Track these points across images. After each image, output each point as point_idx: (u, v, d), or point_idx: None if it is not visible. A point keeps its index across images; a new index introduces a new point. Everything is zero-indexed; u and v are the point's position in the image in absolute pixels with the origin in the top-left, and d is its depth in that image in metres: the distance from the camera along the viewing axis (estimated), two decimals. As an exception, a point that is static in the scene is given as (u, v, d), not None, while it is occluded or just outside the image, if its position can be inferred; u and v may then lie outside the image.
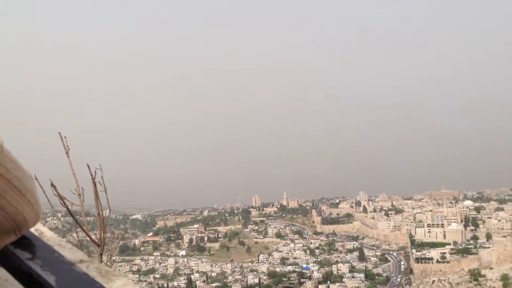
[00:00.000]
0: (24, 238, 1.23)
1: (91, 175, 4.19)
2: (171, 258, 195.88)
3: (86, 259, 1.65)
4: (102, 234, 4.27)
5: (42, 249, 1.21)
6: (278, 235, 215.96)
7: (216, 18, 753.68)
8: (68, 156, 4.12)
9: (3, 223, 1.12)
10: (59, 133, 4.06)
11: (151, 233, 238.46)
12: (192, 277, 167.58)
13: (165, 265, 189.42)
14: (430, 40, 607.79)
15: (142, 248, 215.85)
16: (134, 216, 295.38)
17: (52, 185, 3.86)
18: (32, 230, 1.72)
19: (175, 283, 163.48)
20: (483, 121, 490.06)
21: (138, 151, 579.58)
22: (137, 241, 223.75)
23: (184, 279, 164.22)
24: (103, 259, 4.29)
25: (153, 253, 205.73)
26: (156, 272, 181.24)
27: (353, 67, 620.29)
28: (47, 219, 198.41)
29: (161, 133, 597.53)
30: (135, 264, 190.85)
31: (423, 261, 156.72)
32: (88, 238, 4.33)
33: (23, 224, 1.20)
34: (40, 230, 1.82)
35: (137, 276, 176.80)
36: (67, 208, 4.01)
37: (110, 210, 4.70)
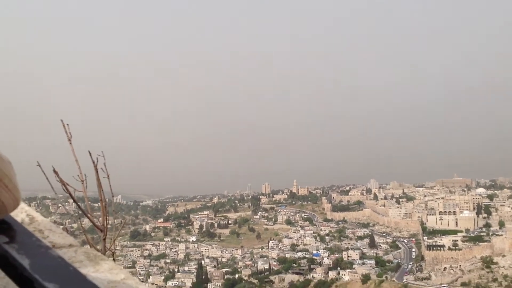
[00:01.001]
0: (3, 223, 1.24)
1: (93, 162, 4.19)
2: (181, 243, 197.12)
3: (75, 243, 1.65)
4: (105, 220, 4.22)
5: (20, 234, 1.22)
6: (288, 222, 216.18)
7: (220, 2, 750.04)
8: (70, 144, 4.14)
9: None
10: (61, 120, 4.08)
11: (161, 219, 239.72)
12: (203, 262, 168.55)
13: (175, 251, 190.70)
14: (445, 23, 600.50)
15: (153, 234, 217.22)
16: (144, 202, 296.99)
17: (54, 171, 3.93)
18: (24, 215, 1.82)
19: (186, 268, 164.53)
20: (496, 107, 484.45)
21: (150, 139, 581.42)
22: (148, 227, 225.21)
23: (194, 264, 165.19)
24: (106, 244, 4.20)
25: (164, 239, 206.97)
26: (167, 257, 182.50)
27: (364, 51, 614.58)
28: (59, 205, 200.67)
29: (172, 121, 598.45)
30: (146, 249, 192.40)
31: (434, 248, 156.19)
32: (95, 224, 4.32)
33: (0, 209, 1.20)
34: (32, 215, 1.84)
35: (148, 261, 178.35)
36: (69, 193, 4.05)
37: (113, 196, 4.74)
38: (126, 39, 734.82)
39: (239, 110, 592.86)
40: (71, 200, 4.09)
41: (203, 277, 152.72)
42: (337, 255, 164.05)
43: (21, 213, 1.80)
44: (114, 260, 3.79)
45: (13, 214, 1.26)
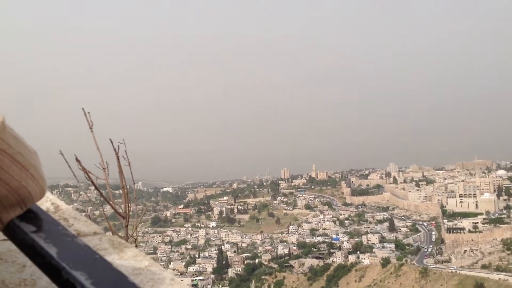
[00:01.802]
0: (30, 212, 1.26)
1: (114, 150, 4.18)
2: (201, 229, 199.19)
3: (99, 231, 1.67)
4: (127, 207, 4.24)
5: (46, 223, 1.24)
6: (307, 207, 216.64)
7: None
8: (92, 131, 4.13)
9: (7, 196, 1.15)
10: (83, 108, 4.04)
11: (181, 205, 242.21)
12: (223, 247, 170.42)
13: (196, 236, 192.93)
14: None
15: (173, 220, 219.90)
16: (165, 189, 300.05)
17: (76, 159, 3.88)
18: (49, 203, 1.83)
19: (207, 254, 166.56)
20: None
21: (170, 126, 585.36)
22: (168, 213, 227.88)
23: (215, 250, 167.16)
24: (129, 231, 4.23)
25: (184, 225, 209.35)
26: (188, 243, 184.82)
27: (383, 33, 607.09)
28: (81, 192, 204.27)
29: (192, 108, 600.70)
30: (167, 236, 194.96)
31: (454, 231, 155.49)
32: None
33: (27, 198, 1.22)
34: (57, 203, 1.86)
35: (169, 247, 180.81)
36: (91, 181, 4.03)
37: (134, 183, 4.67)
38: (146, 23, 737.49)
39: (258, 94, 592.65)
40: (92, 188, 4.12)
41: (224, 262, 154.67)
42: (356, 239, 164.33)
43: (46, 202, 1.81)
44: (136, 246, 3.96)
45: (38, 203, 1.29)
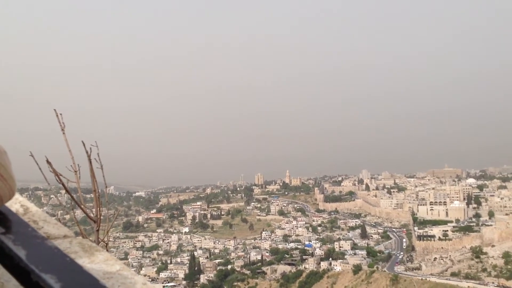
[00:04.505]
0: None
1: (87, 152, 4.13)
2: (174, 234, 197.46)
3: (70, 234, 1.64)
4: (98, 211, 4.18)
5: (16, 224, 1.21)
6: (281, 213, 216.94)
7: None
8: (63, 133, 4.05)
9: None
10: (55, 110, 3.97)
11: (154, 210, 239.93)
12: (196, 253, 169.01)
13: (168, 242, 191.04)
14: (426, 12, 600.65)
15: (145, 225, 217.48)
16: (137, 193, 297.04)
17: (47, 161, 3.81)
18: (18, 205, 1.81)
19: (179, 259, 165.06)
20: (486, 96, 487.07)
21: (142, 128, 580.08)
22: (140, 218, 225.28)
23: (187, 256, 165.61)
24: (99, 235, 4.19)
25: (157, 230, 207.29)
26: (160, 249, 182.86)
27: (352, 41, 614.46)
28: (51, 196, 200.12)
29: (164, 110, 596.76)
30: (139, 241, 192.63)
31: (425, 238, 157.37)
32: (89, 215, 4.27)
33: None
34: (26, 205, 1.83)
35: (141, 252, 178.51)
36: (62, 184, 3.97)
37: (106, 187, 4.71)
38: (120, 23, 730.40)
39: (234, 98, 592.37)
40: (63, 191, 4.04)
41: (196, 268, 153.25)
42: (329, 246, 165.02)
43: (15, 204, 1.79)
44: (107, 251, 3.85)
45: (7, 204, 1.26)
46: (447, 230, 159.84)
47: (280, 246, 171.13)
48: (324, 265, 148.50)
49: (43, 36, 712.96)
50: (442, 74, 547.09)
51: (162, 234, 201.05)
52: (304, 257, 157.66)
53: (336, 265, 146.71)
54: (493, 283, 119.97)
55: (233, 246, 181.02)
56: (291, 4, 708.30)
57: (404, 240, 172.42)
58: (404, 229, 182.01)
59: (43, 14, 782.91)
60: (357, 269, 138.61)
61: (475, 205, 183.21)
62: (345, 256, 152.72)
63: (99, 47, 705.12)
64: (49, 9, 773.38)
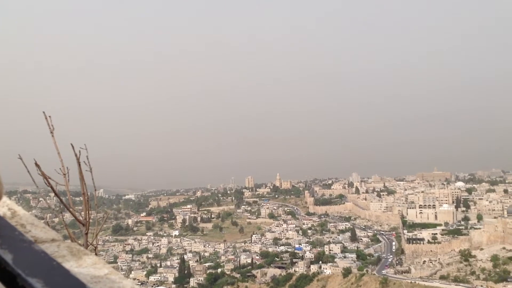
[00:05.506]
0: None
1: (75, 155, 4.09)
2: (164, 238, 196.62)
3: (58, 238, 1.63)
4: (87, 214, 4.16)
5: (2, 228, 1.20)
6: (271, 216, 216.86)
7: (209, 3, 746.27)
8: (52, 136, 4.01)
9: None
10: (44, 112, 3.90)
11: (144, 213, 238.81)
12: (185, 257, 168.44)
13: (158, 245, 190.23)
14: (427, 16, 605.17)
15: (135, 228, 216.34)
16: (127, 196, 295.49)
17: (36, 164, 3.75)
18: (5, 209, 1.80)
19: (168, 263, 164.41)
20: (475, 101, 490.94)
21: (132, 131, 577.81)
22: (130, 221, 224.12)
23: (177, 259, 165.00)
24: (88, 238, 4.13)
25: (146, 233, 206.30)
26: (149, 252, 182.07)
27: (345, 46, 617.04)
28: (40, 199, 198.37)
29: (155, 113, 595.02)
30: (128, 244, 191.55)
31: (414, 241, 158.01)
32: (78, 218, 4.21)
33: None
34: (14, 209, 1.82)
35: (130, 256, 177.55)
36: (51, 187, 3.90)
37: (95, 190, 4.60)
38: (110, 24, 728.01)
39: (225, 101, 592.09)
40: (52, 194, 3.97)
41: (186, 271, 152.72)
42: (319, 249, 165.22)
43: (3, 207, 1.78)
44: (96, 254, 3.85)
45: None
46: (436, 233, 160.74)
47: (270, 249, 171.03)
48: (314, 268, 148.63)
49: (34, 37, 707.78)
50: (432, 80, 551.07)
51: (152, 237, 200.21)
52: (294, 260, 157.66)
53: (326, 268, 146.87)
54: (481, 286, 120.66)
55: (223, 250, 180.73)
56: (289, 8, 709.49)
57: (393, 243, 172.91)
58: (394, 232, 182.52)
59: (42, 13, 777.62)
60: (347, 272, 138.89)
61: (464, 209, 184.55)
62: (335, 259, 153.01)
63: (89, 49, 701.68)
64: (49, 9, 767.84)
